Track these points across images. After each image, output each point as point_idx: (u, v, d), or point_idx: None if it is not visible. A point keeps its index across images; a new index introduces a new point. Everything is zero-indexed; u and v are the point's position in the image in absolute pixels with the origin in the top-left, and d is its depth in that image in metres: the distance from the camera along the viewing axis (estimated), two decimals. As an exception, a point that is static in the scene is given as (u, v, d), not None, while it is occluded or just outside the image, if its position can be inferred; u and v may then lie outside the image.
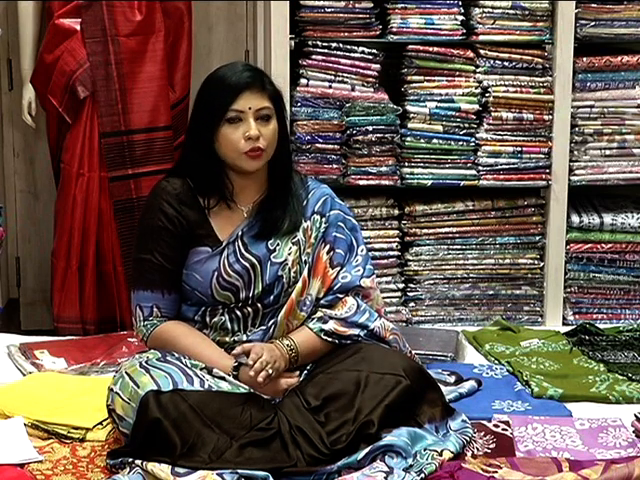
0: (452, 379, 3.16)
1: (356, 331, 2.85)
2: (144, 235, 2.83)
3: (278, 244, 2.83)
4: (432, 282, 4.02)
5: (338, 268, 2.88)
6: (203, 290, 2.79)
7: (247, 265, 2.79)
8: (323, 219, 2.89)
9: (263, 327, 2.82)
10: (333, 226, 2.90)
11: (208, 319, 2.82)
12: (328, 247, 2.88)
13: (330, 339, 2.83)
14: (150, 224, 2.81)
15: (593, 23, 3.91)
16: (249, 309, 2.81)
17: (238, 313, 2.81)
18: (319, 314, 2.85)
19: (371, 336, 2.86)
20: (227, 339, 2.81)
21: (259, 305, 2.81)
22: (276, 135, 2.80)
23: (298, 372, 2.79)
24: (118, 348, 3.47)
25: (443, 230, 4.01)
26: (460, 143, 3.95)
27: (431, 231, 4.01)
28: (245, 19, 4.35)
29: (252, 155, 2.75)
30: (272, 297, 2.82)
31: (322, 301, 2.87)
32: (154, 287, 2.80)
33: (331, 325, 2.83)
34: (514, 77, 3.93)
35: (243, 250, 2.81)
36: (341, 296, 2.87)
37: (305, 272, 2.84)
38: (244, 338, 2.80)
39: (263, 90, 2.78)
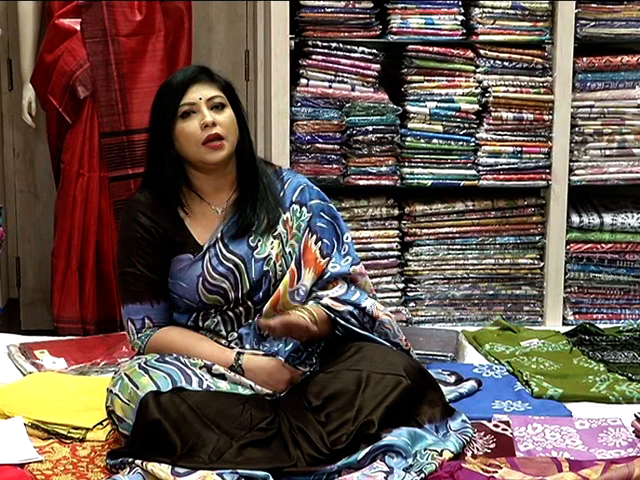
0: (452, 379, 3.16)
1: (349, 308, 2.83)
2: (124, 249, 2.82)
3: (259, 240, 2.81)
4: (432, 282, 4.02)
5: (328, 258, 2.88)
6: (191, 297, 2.78)
7: (231, 266, 2.77)
8: (304, 209, 2.88)
9: (250, 321, 2.80)
10: (316, 216, 2.89)
11: (201, 323, 2.81)
12: (315, 237, 2.88)
13: (327, 311, 2.80)
14: (128, 237, 2.79)
15: (593, 23, 3.92)
16: (240, 309, 2.80)
17: (230, 314, 2.80)
18: (312, 295, 2.84)
19: (363, 315, 2.85)
20: (222, 342, 2.79)
21: (249, 303, 2.80)
22: (234, 123, 2.78)
23: (301, 372, 2.78)
24: (118, 348, 3.47)
25: (443, 230, 4.01)
26: (460, 143, 3.95)
27: (431, 231, 4.01)
28: (245, 19, 4.36)
29: (213, 146, 2.73)
30: (261, 293, 2.80)
31: (313, 287, 2.86)
32: (142, 299, 2.79)
33: (325, 300, 2.81)
34: (514, 77, 3.93)
35: (225, 251, 2.79)
36: (331, 280, 2.88)
37: (292, 264, 2.82)
38: (235, 335, 2.80)
39: (212, 81, 2.78)
